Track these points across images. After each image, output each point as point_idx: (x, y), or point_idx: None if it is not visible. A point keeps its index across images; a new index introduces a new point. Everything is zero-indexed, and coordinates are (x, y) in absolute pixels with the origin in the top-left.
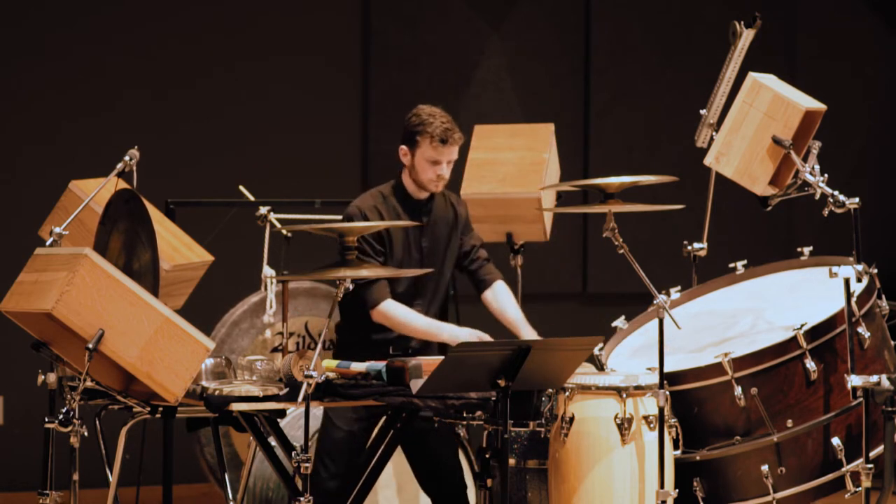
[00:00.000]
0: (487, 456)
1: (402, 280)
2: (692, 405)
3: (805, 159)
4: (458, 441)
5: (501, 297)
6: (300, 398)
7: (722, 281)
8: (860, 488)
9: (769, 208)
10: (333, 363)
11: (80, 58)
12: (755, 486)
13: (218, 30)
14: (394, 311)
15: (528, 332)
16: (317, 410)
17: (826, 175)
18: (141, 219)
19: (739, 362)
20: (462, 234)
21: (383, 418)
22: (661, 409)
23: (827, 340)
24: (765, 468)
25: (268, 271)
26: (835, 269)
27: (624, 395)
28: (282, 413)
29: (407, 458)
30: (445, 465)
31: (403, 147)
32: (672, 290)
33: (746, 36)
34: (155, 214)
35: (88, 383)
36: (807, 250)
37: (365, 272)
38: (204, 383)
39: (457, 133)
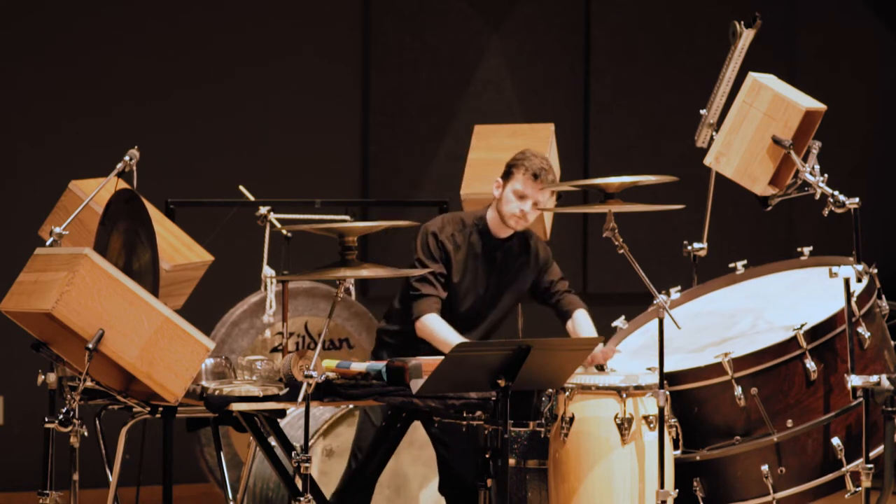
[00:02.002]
0: (487, 456)
1: (457, 311)
2: (692, 405)
3: (805, 159)
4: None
5: (578, 324)
6: (300, 398)
7: (722, 281)
8: (860, 488)
9: (769, 208)
10: (333, 363)
11: (81, 58)
12: (755, 486)
13: (218, 30)
14: (435, 326)
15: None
16: (317, 410)
17: (826, 175)
18: (141, 219)
19: (739, 362)
20: (538, 274)
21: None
22: (661, 409)
23: (827, 340)
24: (765, 468)
25: (268, 271)
26: (835, 269)
27: (624, 395)
28: (282, 413)
29: (437, 458)
30: (466, 470)
31: (498, 180)
32: (672, 290)
33: (746, 36)
34: (155, 214)
35: (88, 383)
36: (807, 250)
37: (365, 272)
38: (204, 383)
39: (551, 175)
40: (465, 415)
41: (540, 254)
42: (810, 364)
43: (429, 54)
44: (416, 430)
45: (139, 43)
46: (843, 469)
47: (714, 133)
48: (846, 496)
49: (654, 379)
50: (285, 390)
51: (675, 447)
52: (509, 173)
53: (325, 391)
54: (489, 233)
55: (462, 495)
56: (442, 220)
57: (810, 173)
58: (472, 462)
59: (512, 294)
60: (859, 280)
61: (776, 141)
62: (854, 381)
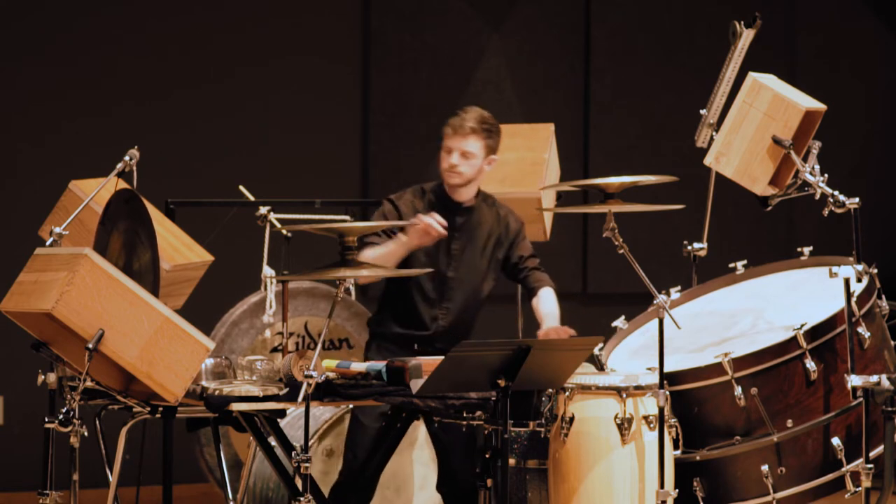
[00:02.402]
0: (487, 456)
1: (429, 283)
2: (692, 405)
3: (805, 159)
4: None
5: (542, 301)
6: (300, 398)
7: (722, 281)
8: (860, 488)
9: (769, 208)
10: (333, 363)
11: (81, 58)
12: (755, 486)
13: (218, 30)
14: (370, 251)
15: (548, 324)
16: (316, 410)
17: (826, 175)
18: (141, 219)
19: (739, 362)
20: (510, 248)
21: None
22: (661, 409)
23: (827, 340)
24: (765, 468)
25: (268, 271)
26: (835, 269)
27: (624, 395)
28: (282, 413)
29: (437, 456)
30: (464, 469)
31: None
32: (672, 290)
33: (746, 36)
34: (155, 214)
35: (88, 383)
36: (807, 250)
37: (365, 272)
38: (204, 383)
39: (471, 124)
40: (465, 415)
41: (511, 226)
42: (810, 364)
43: (429, 54)
44: (416, 430)
45: (139, 43)
46: (843, 469)
47: (714, 133)
48: (846, 496)
49: (654, 379)
50: (285, 390)
51: (675, 447)
52: (442, 133)
53: (325, 391)
54: (446, 195)
55: (458, 494)
56: (404, 190)
57: (810, 173)
58: (470, 461)
59: (476, 258)
60: (859, 280)
61: (776, 141)
62: (854, 381)
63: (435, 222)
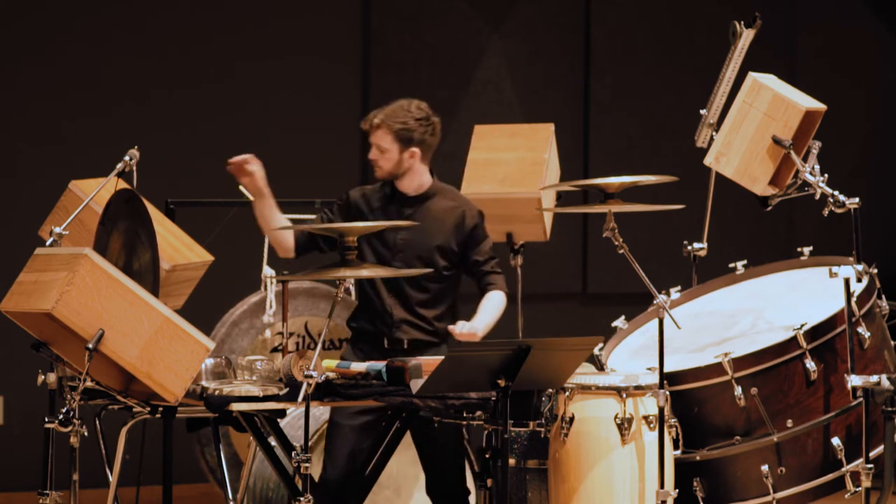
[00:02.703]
0: (487, 456)
1: (372, 259)
2: (692, 405)
3: (805, 159)
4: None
5: (486, 299)
6: (300, 398)
7: (722, 281)
8: (860, 488)
9: (769, 208)
10: (333, 363)
11: (81, 58)
12: (755, 486)
13: (218, 30)
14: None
15: (471, 323)
16: (316, 410)
17: (826, 175)
18: (141, 219)
19: (739, 362)
20: (466, 246)
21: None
22: (661, 409)
23: (827, 340)
24: (765, 468)
25: (268, 271)
26: (835, 269)
27: (624, 395)
28: (282, 413)
29: (420, 458)
30: (451, 469)
31: None
32: (672, 290)
33: (746, 36)
34: (155, 214)
35: (88, 383)
36: (807, 250)
37: (365, 272)
38: (204, 383)
39: (375, 119)
40: (465, 415)
41: (466, 222)
42: (810, 364)
43: (429, 54)
44: None
45: (139, 43)
46: (843, 469)
47: (714, 133)
48: (846, 496)
49: (654, 379)
50: (285, 390)
51: (675, 447)
52: None
53: (325, 391)
54: (396, 189)
55: (449, 495)
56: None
57: (810, 173)
58: (457, 461)
59: (423, 248)
60: (859, 280)
61: (776, 141)
62: (854, 381)
63: (239, 158)
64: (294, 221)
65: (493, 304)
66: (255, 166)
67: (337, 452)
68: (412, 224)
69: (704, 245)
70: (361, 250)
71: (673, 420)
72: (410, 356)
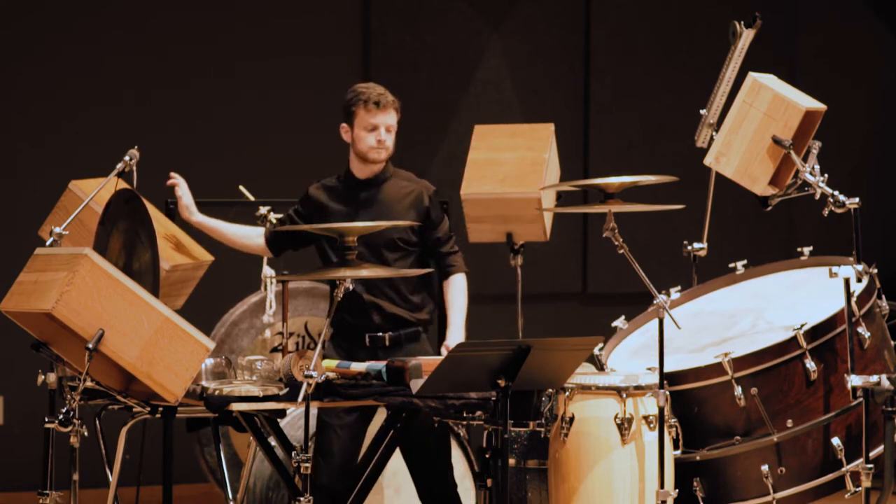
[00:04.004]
0: (487, 456)
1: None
2: (692, 405)
3: (805, 159)
4: (456, 441)
5: (451, 292)
6: (300, 398)
7: (722, 281)
8: (860, 488)
9: (769, 208)
10: (333, 363)
11: (81, 57)
12: (755, 486)
13: (218, 30)
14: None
15: (453, 336)
16: (316, 411)
17: (826, 175)
18: (141, 219)
19: (739, 362)
20: (425, 226)
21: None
22: (661, 409)
23: (827, 340)
24: (765, 468)
25: (268, 271)
26: (835, 269)
27: (624, 395)
28: (282, 413)
29: (402, 453)
30: (437, 463)
31: (344, 125)
32: (672, 290)
33: (746, 36)
34: (155, 214)
35: (88, 383)
36: (807, 250)
37: (365, 272)
38: (204, 383)
39: (390, 97)
40: (465, 415)
41: (423, 202)
42: (810, 364)
43: (429, 54)
44: None
45: (139, 42)
46: (843, 469)
47: (714, 133)
48: (846, 496)
49: (654, 379)
50: (285, 390)
51: (675, 447)
52: (351, 113)
53: (325, 391)
54: (351, 175)
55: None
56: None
57: (810, 173)
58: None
59: (383, 231)
60: (859, 280)
61: (776, 141)
62: (854, 381)
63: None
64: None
65: (459, 297)
66: (179, 191)
67: (329, 452)
68: (413, 223)
69: (704, 245)
70: (322, 248)
71: (673, 420)
72: (392, 351)
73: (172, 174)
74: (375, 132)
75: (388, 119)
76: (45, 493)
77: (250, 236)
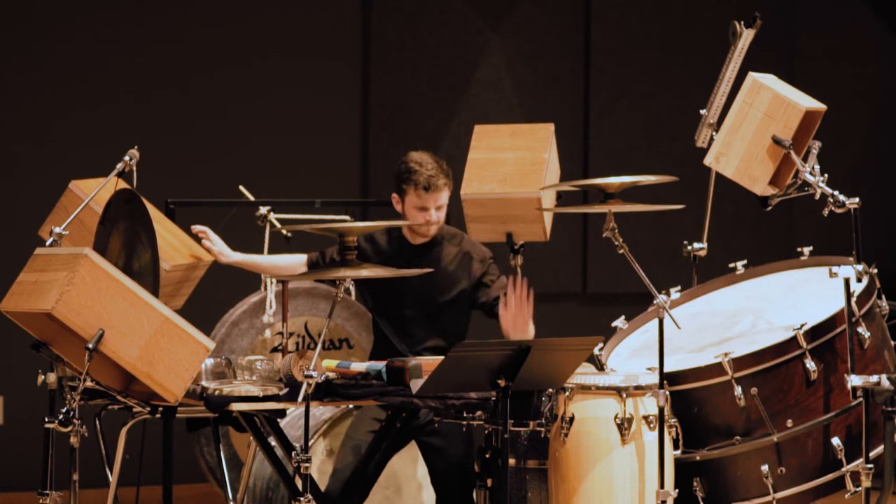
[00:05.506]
0: (487, 456)
1: (391, 323)
2: (692, 405)
3: (805, 159)
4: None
5: None
6: (300, 398)
7: (722, 281)
8: (860, 488)
9: (769, 208)
10: (333, 363)
11: (80, 57)
12: (755, 486)
13: (218, 29)
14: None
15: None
16: (316, 410)
17: (826, 175)
18: (141, 219)
19: (739, 362)
20: (478, 286)
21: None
22: (661, 409)
23: (827, 340)
24: (765, 468)
25: None
26: (835, 269)
27: (624, 395)
28: (282, 413)
29: (422, 454)
30: (457, 464)
31: (395, 195)
32: (672, 290)
33: (746, 36)
34: (155, 214)
35: (88, 383)
36: (807, 250)
37: (365, 272)
38: (204, 383)
39: (441, 179)
40: (465, 415)
41: (473, 264)
42: (810, 364)
43: (429, 54)
44: None
45: (139, 42)
46: (843, 469)
47: (714, 133)
48: (846, 496)
49: (654, 379)
50: (285, 390)
51: (675, 447)
52: (402, 189)
53: (325, 391)
54: (403, 239)
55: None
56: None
57: (810, 173)
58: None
59: (434, 295)
60: (859, 280)
61: (776, 141)
62: (854, 381)
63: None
64: (294, 222)
65: None
66: (208, 243)
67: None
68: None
69: (704, 245)
70: (377, 294)
71: (673, 420)
72: None
73: (194, 228)
74: (425, 213)
75: (440, 200)
76: (45, 493)
77: (292, 266)
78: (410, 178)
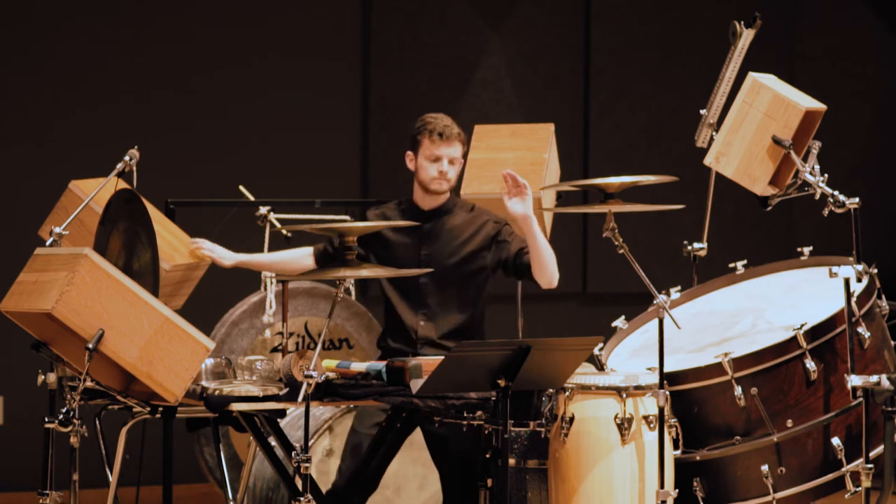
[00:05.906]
0: (487, 456)
1: (404, 292)
2: (692, 405)
3: (805, 159)
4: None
5: None
6: (300, 398)
7: (722, 281)
8: (860, 488)
9: (769, 208)
10: (333, 363)
11: (80, 57)
12: (755, 486)
13: (218, 29)
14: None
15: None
16: (316, 410)
17: (826, 175)
18: (141, 219)
19: (739, 362)
20: (498, 250)
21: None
22: (661, 409)
23: (827, 340)
24: (765, 468)
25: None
26: (835, 269)
27: (624, 395)
28: (282, 413)
29: (427, 442)
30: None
31: (409, 153)
32: (672, 290)
33: (746, 36)
34: (155, 214)
35: (88, 383)
36: (807, 250)
37: (365, 272)
38: (204, 383)
39: (455, 129)
40: (465, 415)
41: (488, 230)
42: (810, 364)
43: (429, 54)
44: (416, 431)
45: (139, 42)
46: (843, 469)
47: (714, 133)
48: (846, 496)
49: (654, 379)
50: (285, 390)
51: (675, 447)
52: (416, 142)
53: (325, 391)
54: (414, 206)
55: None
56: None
57: (810, 173)
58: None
59: (448, 262)
60: (859, 280)
61: (776, 141)
62: (854, 381)
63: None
64: (294, 222)
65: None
66: (206, 252)
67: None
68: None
69: (704, 245)
70: (388, 263)
71: (673, 420)
72: None
73: (191, 245)
74: (438, 163)
75: (453, 151)
76: (45, 493)
77: (297, 259)
78: (425, 127)
